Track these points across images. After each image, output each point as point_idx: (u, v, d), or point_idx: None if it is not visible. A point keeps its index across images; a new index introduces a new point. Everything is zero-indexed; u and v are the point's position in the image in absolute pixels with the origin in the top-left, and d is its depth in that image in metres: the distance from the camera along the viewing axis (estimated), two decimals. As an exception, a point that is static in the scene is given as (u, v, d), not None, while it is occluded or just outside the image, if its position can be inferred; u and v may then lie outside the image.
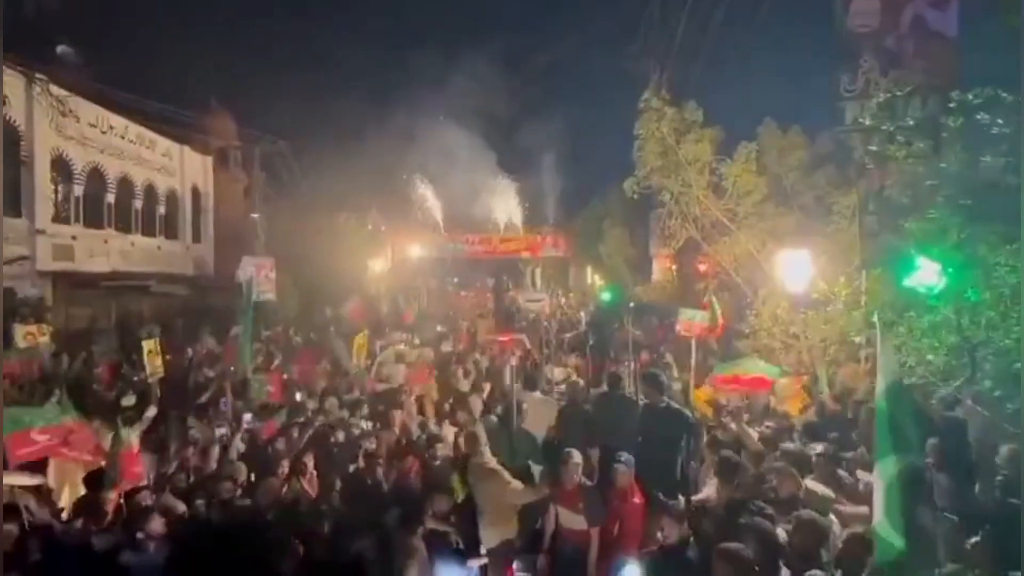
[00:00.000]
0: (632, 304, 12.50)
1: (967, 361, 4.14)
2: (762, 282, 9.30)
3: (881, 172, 5.15)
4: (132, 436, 4.74)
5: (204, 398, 7.08)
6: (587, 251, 27.57)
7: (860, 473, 4.21)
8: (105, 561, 3.42)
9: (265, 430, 5.79)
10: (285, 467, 4.65)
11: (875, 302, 5.39)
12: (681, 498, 4.19)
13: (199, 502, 4.25)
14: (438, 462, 4.80)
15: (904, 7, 10.29)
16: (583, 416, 5.07)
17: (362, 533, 3.54)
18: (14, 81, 11.31)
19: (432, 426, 5.86)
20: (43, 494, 4.42)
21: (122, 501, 3.96)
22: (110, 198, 14.77)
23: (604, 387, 5.67)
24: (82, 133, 13.49)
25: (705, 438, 4.94)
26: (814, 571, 2.78)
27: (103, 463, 4.40)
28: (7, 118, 10.99)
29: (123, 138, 15.14)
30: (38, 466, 4.59)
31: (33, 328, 8.88)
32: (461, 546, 3.82)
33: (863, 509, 3.67)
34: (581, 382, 6.42)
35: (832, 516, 3.50)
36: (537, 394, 5.84)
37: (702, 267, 14.29)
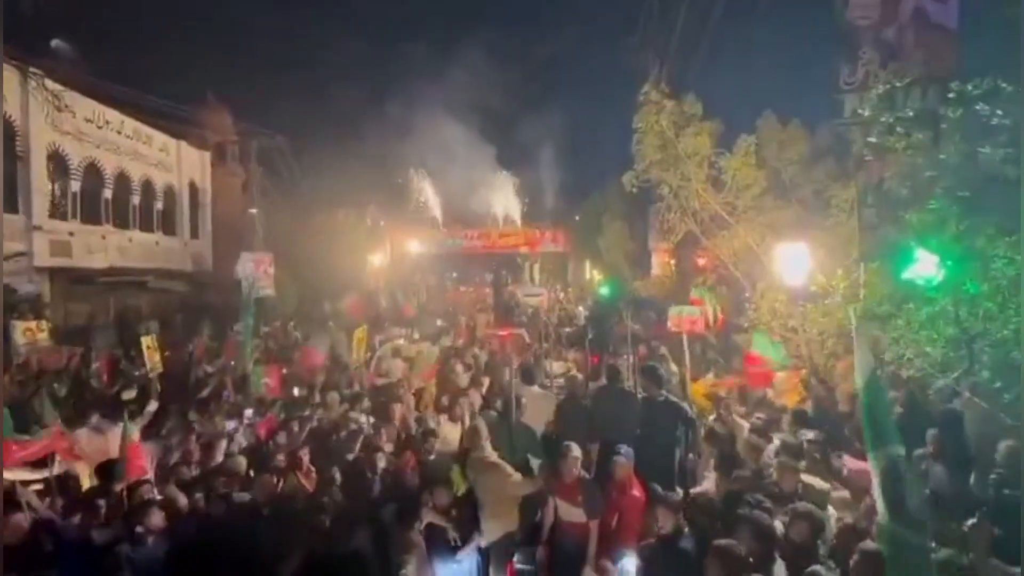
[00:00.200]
0: (631, 298, 12.51)
1: (965, 353, 4.15)
2: (761, 276, 9.30)
3: (880, 164, 5.14)
4: (134, 430, 4.75)
5: (205, 392, 7.10)
6: (586, 246, 27.55)
7: (846, 459, 4.25)
8: (106, 554, 3.43)
9: (262, 425, 5.80)
10: (282, 461, 4.66)
11: (873, 295, 5.39)
12: (679, 490, 4.23)
13: (198, 495, 4.26)
14: (432, 456, 4.80)
15: (904, -1, 10.23)
16: (582, 410, 5.08)
17: (359, 527, 3.55)
18: (9, 75, 11.23)
19: (431, 421, 5.86)
20: (65, 482, 4.43)
21: (124, 494, 3.98)
22: (107, 194, 14.71)
23: (603, 380, 5.68)
24: (78, 128, 13.42)
25: (703, 431, 4.96)
26: (814, 567, 2.79)
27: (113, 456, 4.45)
28: (2, 113, 10.92)
29: (119, 133, 15.07)
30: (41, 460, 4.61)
31: (32, 324, 8.87)
32: (459, 543, 3.82)
33: (844, 494, 3.75)
34: (580, 376, 6.43)
35: (830, 508, 3.53)
36: (536, 388, 5.85)
37: (701, 261, 14.29)
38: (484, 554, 4.01)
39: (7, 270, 10.98)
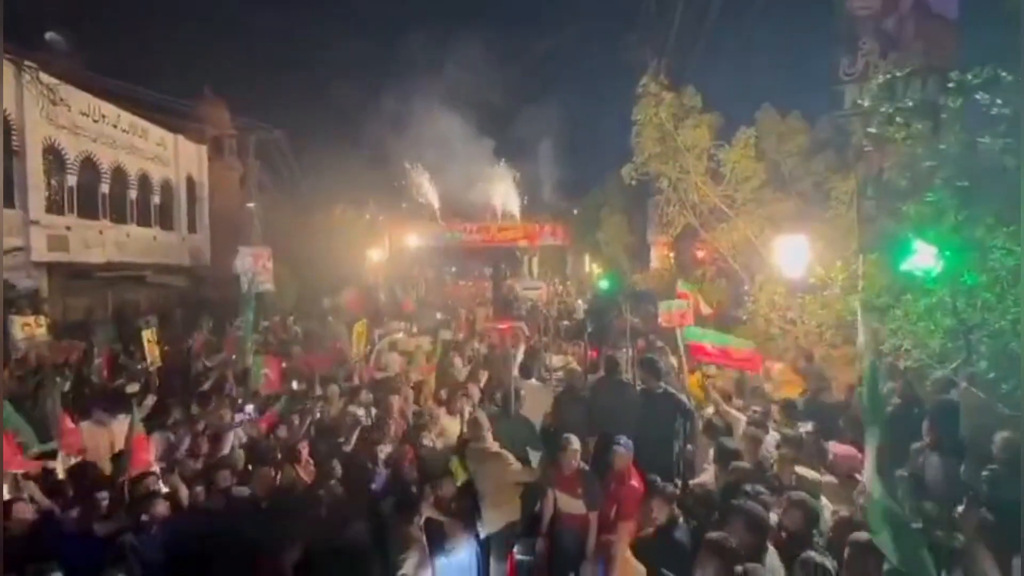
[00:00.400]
0: (630, 291, 12.51)
1: (962, 343, 4.16)
2: (759, 268, 9.31)
3: (880, 155, 5.12)
4: (137, 423, 4.76)
5: (206, 386, 7.11)
6: (585, 239, 27.52)
7: (832, 444, 4.31)
8: (108, 546, 3.45)
9: (263, 420, 5.82)
10: (281, 455, 4.67)
11: (872, 286, 5.40)
12: (678, 481, 4.25)
13: (198, 489, 4.28)
14: (432, 447, 4.81)
15: (905, -11, 10.17)
16: (580, 402, 5.09)
17: (358, 521, 3.56)
18: (3, 69, 11.14)
19: (428, 414, 5.87)
20: (86, 470, 4.46)
21: (125, 486, 3.99)
22: (104, 188, 14.66)
23: (601, 372, 5.69)
24: (74, 122, 13.34)
25: (700, 423, 4.97)
26: (808, 552, 2.82)
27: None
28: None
29: (115, 127, 14.98)
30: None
31: (30, 319, 8.87)
32: (456, 538, 3.83)
33: (832, 479, 3.83)
34: (579, 369, 6.44)
35: (823, 499, 3.55)
36: (533, 381, 5.86)
37: (700, 254, 14.27)
38: (484, 545, 4.03)
39: (4, 265, 10.95)
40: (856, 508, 3.36)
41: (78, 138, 13.59)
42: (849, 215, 7.89)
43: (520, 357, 5.97)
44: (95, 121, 14.15)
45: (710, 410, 5.40)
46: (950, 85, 4.10)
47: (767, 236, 9.07)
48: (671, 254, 19.37)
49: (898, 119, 4.75)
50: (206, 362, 8.45)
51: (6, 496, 3.77)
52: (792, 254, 7.21)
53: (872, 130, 5.13)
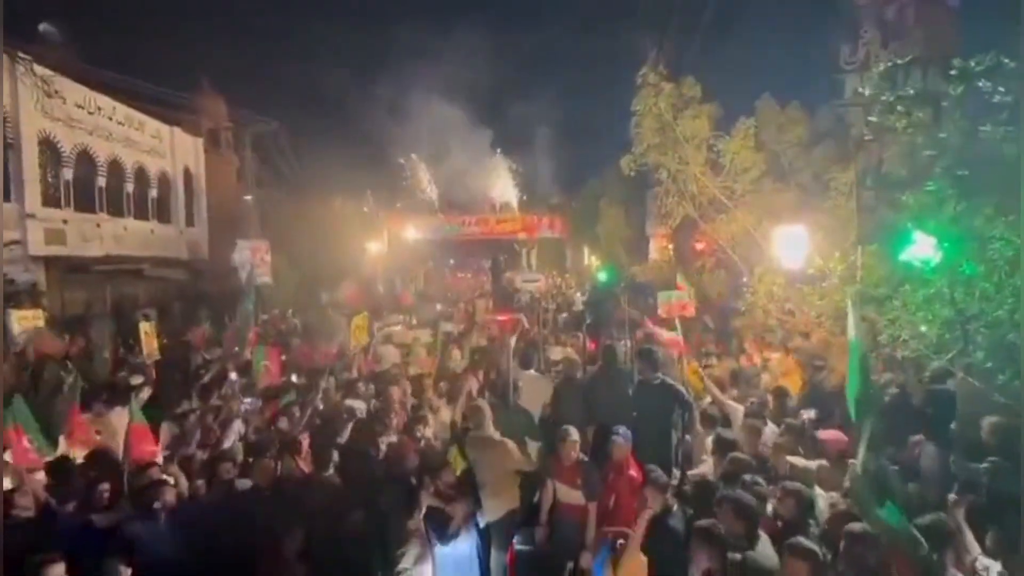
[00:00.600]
0: (629, 283, 12.51)
1: (960, 334, 4.17)
2: (758, 259, 9.30)
3: (879, 145, 5.10)
4: (139, 415, 4.78)
5: (207, 378, 7.12)
6: (583, 232, 27.49)
7: (820, 432, 4.35)
8: (110, 537, 3.47)
9: (269, 409, 5.86)
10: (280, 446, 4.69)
11: (870, 276, 5.40)
12: (676, 472, 4.27)
13: (199, 482, 4.29)
14: (423, 443, 4.82)
15: (906, -23, 10.09)
16: (578, 392, 5.10)
17: (357, 512, 3.57)
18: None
19: (427, 406, 5.89)
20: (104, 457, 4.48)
21: (125, 478, 4.01)
22: (100, 181, 14.57)
23: (600, 363, 5.70)
24: (69, 115, 13.23)
25: (698, 413, 4.99)
26: (797, 536, 2.87)
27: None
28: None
29: (111, 119, 14.87)
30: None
31: (28, 313, 8.84)
32: (457, 525, 3.85)
33: (823, 463, 3.89)
34: (578, 359, 6.45)
35: (817, 488, 3.58)
36: (532, 372, 5.87)
37: (699, 246, 14.25)
38: (484, 534, 4.06)
39: (2, 259, 10.92)
40: (848, 491, 3.41)
41: (73, 131, 13.48)
42: (848, 206, 7.86)
43: (513, 343, 5.98)
44: (90, 113, 14.04)
45: (707, 400, 5.42)
46: (952, 72, 4.07)
47: (766, 227, 9.05)
48: (670, 246, 19.34)
49: (899, 107, 4.72)
50: (205, 355, 8.46)
51: (8, 485, 3.79)
52: (791, 245, 7.21)
53: (873, 119, 5.10)
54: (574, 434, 4.03)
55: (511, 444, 4.20)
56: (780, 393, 5.43)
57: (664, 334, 6.47)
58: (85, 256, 13.71)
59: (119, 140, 15.19)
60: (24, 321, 8.52)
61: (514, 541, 4.10)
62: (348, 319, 8.97)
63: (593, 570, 3.63)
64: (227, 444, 4.97)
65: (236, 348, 7.74)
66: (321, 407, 5.80)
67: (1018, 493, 2.81)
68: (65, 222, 13.26)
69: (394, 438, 4.91)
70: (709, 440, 4.55)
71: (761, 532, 3.05)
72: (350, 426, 4.95)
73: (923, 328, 4.42)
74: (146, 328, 6.57)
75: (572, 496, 3.98)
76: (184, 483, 4.17)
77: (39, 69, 11.76)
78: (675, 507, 3.55)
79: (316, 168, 23.13)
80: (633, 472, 3.94)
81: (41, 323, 8.83)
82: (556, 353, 7.92)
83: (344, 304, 13.57)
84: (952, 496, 3.21)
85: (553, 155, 30.39)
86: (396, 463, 4.41)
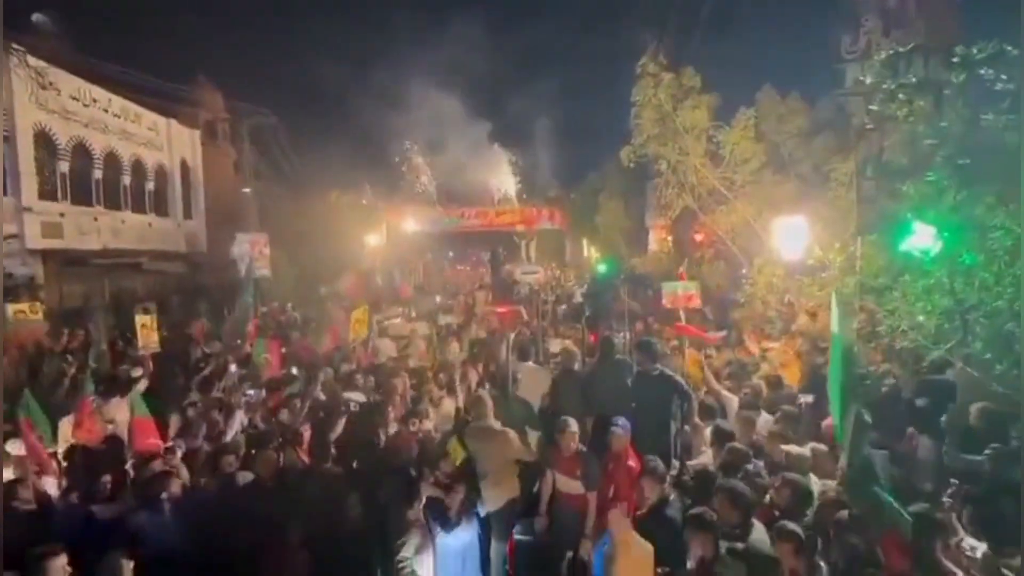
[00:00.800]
0: (628, 275, 12.50)
1: (959, 324, 4.16)
2: (758, 251, 9.28)
3: (880, 135, 5.07)
4: (142, 406, 4.79)
5: (207, 371, 7.13)
6: (583, 223, 27.45)
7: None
8: (113, 529, 3.48)
9: (272, 400, 5.88)
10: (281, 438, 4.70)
11: (870, 267, 5.39)
12: (675, 462, 4.28)
13: (203, 472, 4.31)
14: (420, 435, 4.84)
15: (908, -35, 10.00)
16: (577, 383, 5.10)
17: (357, 505, 3.59)
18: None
19: (427, 399, 5.89)
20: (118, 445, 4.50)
21: (130, 469, 4.02)
22: (97, 174, 14.48)
23: (598, 354, 5.70)
24: (64, 107, 13.12)
25: (696, 404, 5.00)
26: (783, 521, 2.94)
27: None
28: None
29: (107, 112, 14.75)
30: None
31: (24, 306, 8.83)
32: (457, 514, 3.87)
33: (820, 447, 3.95)
34: (576, 351, 6.46)
35: (812, 476, 3.61)
36: (530, 364, 5.88)
37: (698, 237, 14.23)
38: (484, 524, 4.08)
39: (-1, 252, 10.88)
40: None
41: (69, 123, 13.37)
42: (848, 196, 7.84)
43: (512, 336, 6.01)
44: (86, 105, 13.92)
45: (704, 391, 5.44)
46: (954, 60, 4.03)
47: (766, 218, 9.03)
48: (669, 237, 19.33)
49: (900, 96, 4.69)
50: (204, 349, 8.46)
51: (10, 477, 3.80)
52: (791, 236, 7.18)
53: (874, 108, 5.06)
54: (573, 425, 4.04)
55: (512, 434, 4.21)
56: (773, 382, 5.45)
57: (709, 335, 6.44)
58: (83, 249, 13.66)
59: (115, 132, 15.08)
60: (19, 314, 8.52)
61: (514, 531, 4.13)
62: (347, 312, 8.97)
63: (593, 560, 3.65)
64: (229, 436, 4.99)
65: (238, 341, 7.76)
66: (323, 399, 5.82)
67: (1016, 480, 2.83)
68: (62, 215, 13.20)
69: (394, 429, 4.92)
70: (708, 431, 4.57)
71: (755, 520, 3.09)
72: (343, 419, 4.96)
73: (920, 318, 4.41)
74: (144, 321, 6.56)
75: (572, 486, 3.99)
76: (185, 475, 4.18)
77: (33, 60, 11.65)
78: (672, 497, 3.57)
79: (314, 160, 23.04)
80: (632, 462, 3.95)
81: (39, 316, 8.83)
82: (555, 345, 7.93)
83: (343, 297, 13.55)
84: (946, 499, 3.28)
85: (552, 146, 30.28)
86: (396, 454, 4.43)
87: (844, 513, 2.98)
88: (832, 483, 3.52)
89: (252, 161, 20.14)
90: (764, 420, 4.67)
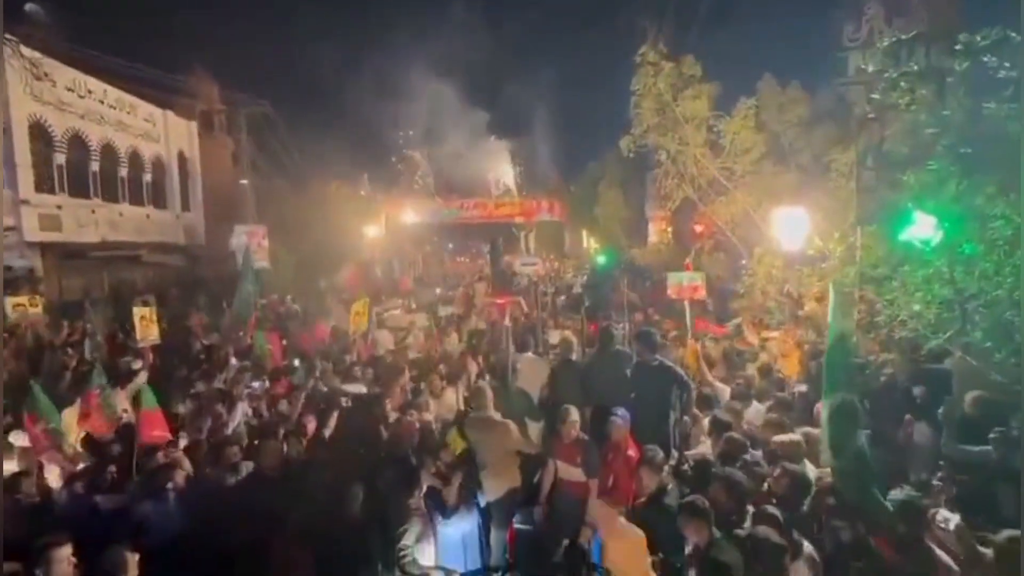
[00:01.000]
0: (628, 266, 12.50)
1: (958, 313, 4.17)
2: (758, 241, 9.25)
3: (882, 123, 5.03)
4: (122, 398, 4.80)
5: (208, 363, 7.15)
6: (582, 215, 27.39)
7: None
8: (117, 519, 3.50)
9: (277, 388, 5.91)
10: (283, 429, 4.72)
11: (870, 257, 5.37)
12: (674, 452, 4.31)
13: (207, 463, 4.33)
14: (419, 425, 4.86)
15: (911, -48, 9.89)
16: (576, 373, 5.12)
17: (358, 494, 3.61)
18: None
19: (428, 390, 5.91)
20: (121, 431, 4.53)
21: (135, 460, 4.04)
22: (94, 166, 14.41)
23: (597, 345, 5.71)
24: (59, 98, 13.02)
25: (695, 395, 5.03)
26: (764, 505, 2.99)
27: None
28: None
29: (102, 103, 14.64)
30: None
31: (23, 299, 8.81)
32: (451, 500, 3.90)
33: (797, 437, 3.98)
34: (575, 341, 6.48)
35: (807, 463, 3.64)
36: (529, 355, 5.89)
37: (698, 228, 14.19)
38: (484, 513, 4.11)
39: (-3, 245, 10.84)
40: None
41: (64, 114, 13.28)
42: (849, 186, 7.78)
43: (510, 326, 6.01)
44: (81, 97, 13.81)
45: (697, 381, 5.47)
46: (957, 47, 3.99)
47: (766, 209, 8.98)
48: (669, 228, 19.29)
49: (902, 84, 4.65)
50: (203, 341, 8.47)
51: (15, 469, 3.82)
52: (791, 226, 7.14)
53: (875, 96, 5.02)
54: (574, 413, 4.07)
55: (512, 425, 4.24)
56: (767, 371, 5.47)
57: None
58: (81, 242, 13.63)
59: (111, 124, 14.98)
60: (18, 307, 8.51)
61: (514, 519, 4.16)
62: (347, 304, 8.98)
63: (591, 547, 3.68)
64: (231, 428, 5.01)
65: (240, 333, 7.78)
66: (325, 390, 5.84)
67: (1014, 467, 2.86)
68: (59, 208, 13.16)
69: (393, 419, 4.95)
70: (706, 421, 4.60)
71: (750, 508, 3.14)
72: (335, 415, 4.98)
73: (916, 307, 4.41)
74: (143, 313, 6.56)
75: (572, 473, 4.02)
76: (188, 466, 4.20)
77: (27, 51, 11.52)
78: (671, 486, 3.60)
79: (312, 151, 22.91)
80: (631, 452, 3.98)
81: (38, 309, 8.82)
82: (555, 336, 7.94)
83: (343, 289, 13.55)
84: (936, 482, 3.37)
85: (551, 137, 30.13)
86: (397, 443, 4.45)
87: (830, 500, 3.06)
88: (827, 471, 3.55)
89: (250, 152, 20.03)
90: (755, 409, 4.70)
